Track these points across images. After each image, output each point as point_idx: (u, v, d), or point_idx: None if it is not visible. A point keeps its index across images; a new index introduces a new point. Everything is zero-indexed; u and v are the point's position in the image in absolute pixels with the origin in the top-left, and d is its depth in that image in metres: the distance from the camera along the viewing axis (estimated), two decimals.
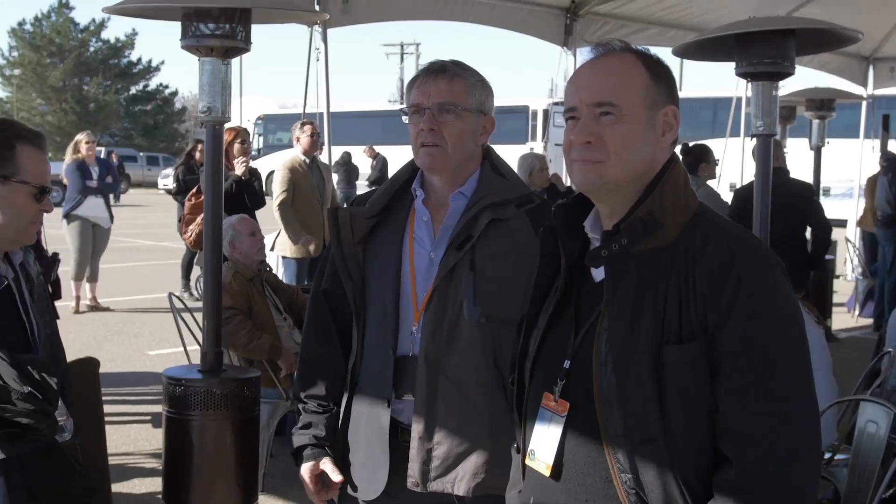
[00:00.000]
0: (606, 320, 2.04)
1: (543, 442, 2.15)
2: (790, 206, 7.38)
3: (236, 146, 8.16)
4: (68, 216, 11.82)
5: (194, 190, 8.43)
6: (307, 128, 8.84)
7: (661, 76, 2.10)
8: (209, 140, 4.54)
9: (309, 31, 8.47)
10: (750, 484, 1.91)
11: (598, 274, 2.13)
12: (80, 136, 12.04)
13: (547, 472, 2.13)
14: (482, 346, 2.77)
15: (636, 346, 1.99)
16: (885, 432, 4.27)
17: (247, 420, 4.54)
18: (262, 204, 8.55)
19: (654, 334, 1.98)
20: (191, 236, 7.98)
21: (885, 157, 11.35)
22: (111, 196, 12.50)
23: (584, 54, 2.58)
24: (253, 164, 8.61)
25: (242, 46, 4.36)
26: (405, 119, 2.86)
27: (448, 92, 2.80)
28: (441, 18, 9.42)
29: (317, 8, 7.97)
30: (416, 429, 2.80)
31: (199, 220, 7.65)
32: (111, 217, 12.15)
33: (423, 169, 2.88)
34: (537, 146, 29.72)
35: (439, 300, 2.78)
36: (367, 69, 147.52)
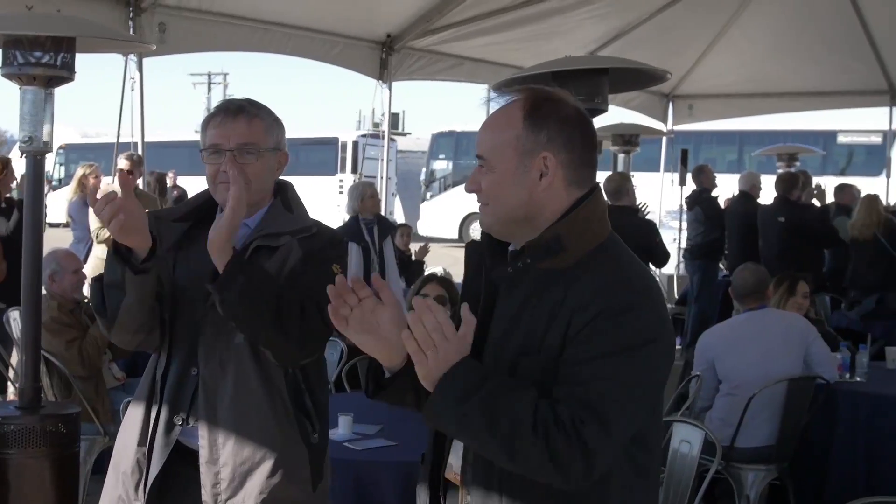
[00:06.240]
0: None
1: (456, 452, 2.22)
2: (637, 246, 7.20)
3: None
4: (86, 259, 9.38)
5: None
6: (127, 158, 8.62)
7: (540, 124, 2.15)
8: (30, 171, 4.46)
9: (123, 60, 8.30)
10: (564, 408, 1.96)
11: None
12: (85, 170, 9.65)
13: (458, 482, 2.20)
14: (252, 365, 2.83)
15: (501, 358, 2.10)
16: (698, 452, 4.49)
17: (67, 457, 4.45)
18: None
19: (520, 346, 2.09)
20: None
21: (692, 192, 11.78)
22: None
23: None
24: (54, 194, 8.25)
25: (66, 76, 4.29)
26: (203, 157, 2.86)
27: (248, 133, 2.83)
28: (259, 50, 9.39)
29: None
30: (203, 454, 2.85)
31: None
32: None
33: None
34: (346, 177, 29.52)
35: (212, 325, 2.84)
36: (174, 99, 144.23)
